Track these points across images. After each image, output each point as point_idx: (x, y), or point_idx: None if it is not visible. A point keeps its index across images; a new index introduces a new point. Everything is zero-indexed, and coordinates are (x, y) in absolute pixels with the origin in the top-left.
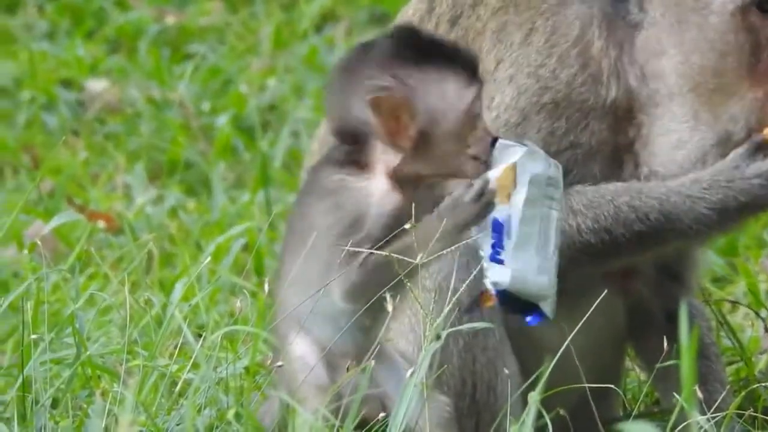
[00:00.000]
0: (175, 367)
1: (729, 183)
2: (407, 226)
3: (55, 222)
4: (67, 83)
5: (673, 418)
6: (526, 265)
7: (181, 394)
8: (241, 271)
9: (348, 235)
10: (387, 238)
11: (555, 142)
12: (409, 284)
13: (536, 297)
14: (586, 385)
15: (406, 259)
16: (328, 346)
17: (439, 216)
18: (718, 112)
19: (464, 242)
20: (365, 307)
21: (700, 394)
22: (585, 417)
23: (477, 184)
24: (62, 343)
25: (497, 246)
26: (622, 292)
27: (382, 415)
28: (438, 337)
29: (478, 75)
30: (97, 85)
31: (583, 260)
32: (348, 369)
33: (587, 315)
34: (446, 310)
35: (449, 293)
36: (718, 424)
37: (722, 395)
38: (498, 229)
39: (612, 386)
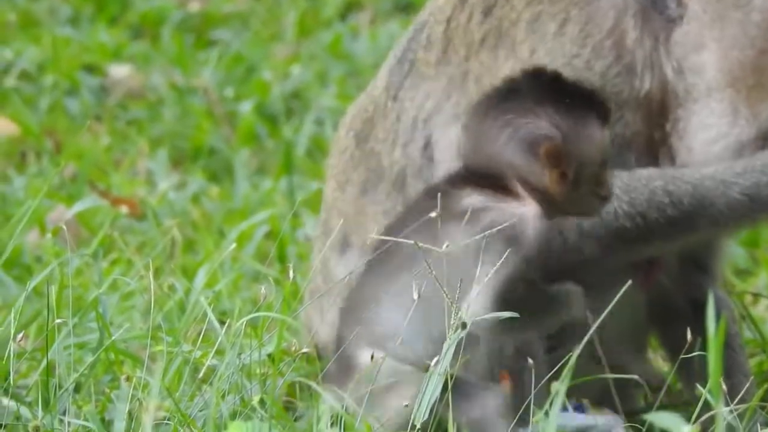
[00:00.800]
0: (198, 353)
1: (764, 168)
2: None
3: (78, 207)
4: (90, 69)
5: (698, 409)
6: None
7: (204, 381)
8: (264, 259)
9: (500, 253)
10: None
11: None
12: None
13: None
14: (609, 375)
15: None
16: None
17: None
18: (758, 108)
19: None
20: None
21: (723, 386)
22: (607, 407)
23: None
24: (85, 327)
25: None
26: (645, 284)
27: None
28: (464, 326)
29: (609, 118)
30: (120, 70)
31: (617, 246)
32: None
33: (611, 305)
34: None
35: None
36: (741, 416)
37: (746, 387)
38: None
39: (635, 377)
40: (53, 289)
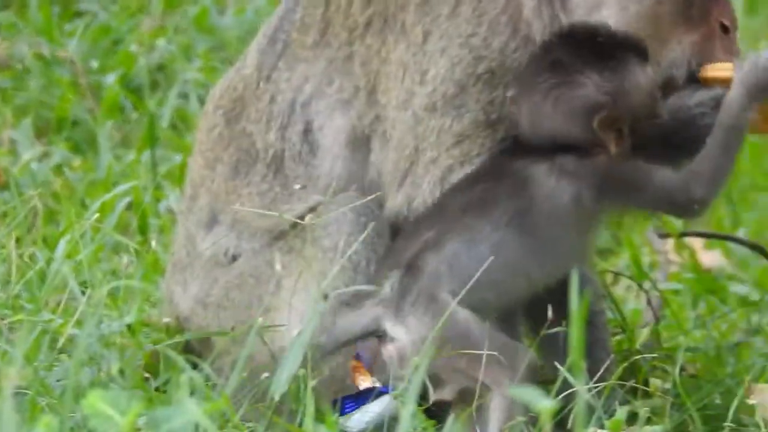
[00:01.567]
0: (59, 322)
1: (673, 113)
2: None
3: None
4: None
5: (557, 385)
6: None
7: (63, 350)
8: (126, 230)
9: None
10: None
11: (495, 110)
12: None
13: None
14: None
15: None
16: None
17: (741, 83)
18: (659, 57)
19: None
20: None
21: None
22: None
23: None
24: None
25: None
26: None
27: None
28: (325, 297)
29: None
30: None
31: None
32: None
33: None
34: (335, 269)
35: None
36: (600, 393)
37: (606, 364)
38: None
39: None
40: None
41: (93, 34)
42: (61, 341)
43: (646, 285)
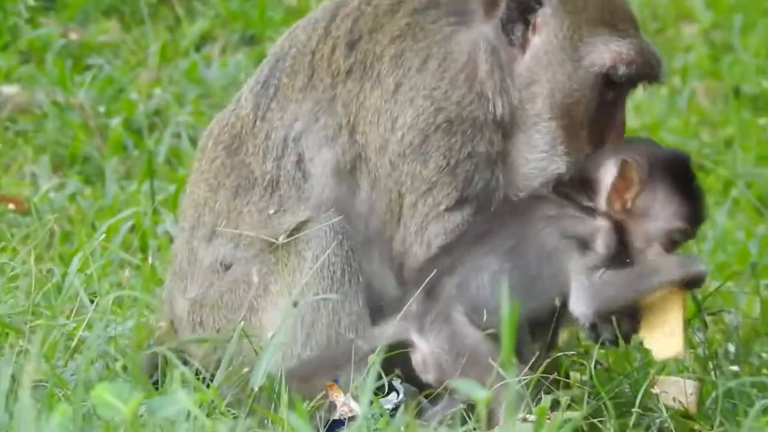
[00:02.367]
0: (72, 326)
1: None
2: None
3: None
4: None
5: (493, 376)
6: None
7: (76, 350)
8: (129, 249)
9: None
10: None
11: (454, 155)
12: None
13: None
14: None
15: None
16: None
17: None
18: (566, 143)
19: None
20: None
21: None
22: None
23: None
24: None
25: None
26: None
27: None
28: (295, 304)
29: (700, 223)
30: (10, 89)
31: None
32: None
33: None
34: (306, 278)
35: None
36: (528, 384)
37: (532, 361)
38: None
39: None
40: None
41: (100, 84)
42: (74, 342)
43: None
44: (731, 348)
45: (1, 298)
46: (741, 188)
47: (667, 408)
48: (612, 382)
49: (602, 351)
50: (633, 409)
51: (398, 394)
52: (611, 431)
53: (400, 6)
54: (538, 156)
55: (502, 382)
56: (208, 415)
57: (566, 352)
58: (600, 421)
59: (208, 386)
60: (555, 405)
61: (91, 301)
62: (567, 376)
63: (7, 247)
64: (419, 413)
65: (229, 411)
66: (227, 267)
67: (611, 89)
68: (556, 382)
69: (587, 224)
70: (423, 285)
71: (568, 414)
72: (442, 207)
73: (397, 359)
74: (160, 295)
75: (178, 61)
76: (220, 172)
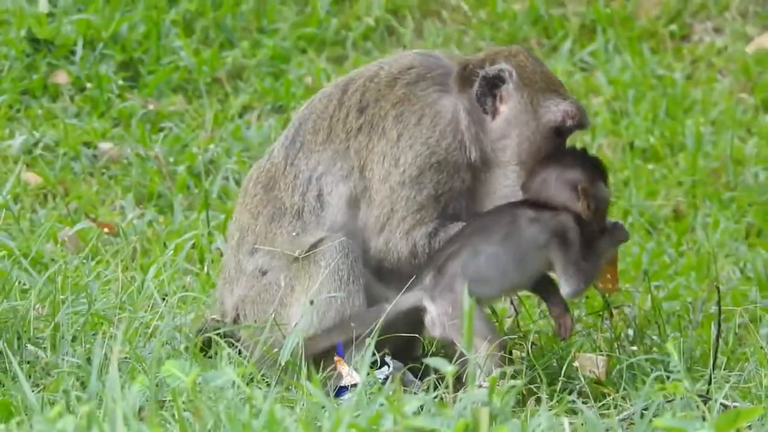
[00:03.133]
0: (148, 318)
1: None
2: None
3: (77, 227)
4: (87, 144)
5: (456, 356)
6: None
7: (151, 335)
8: (190, 260)
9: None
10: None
11: (440, 187)
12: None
13: None
14: (400, 334)
15: None
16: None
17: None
18: (525, 176)
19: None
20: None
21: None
22: (404, 356)
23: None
24: (79, 302)
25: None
26: None
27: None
28: (311, 302)
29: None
30: (105, 145)
31: None
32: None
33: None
34: (320, 279)
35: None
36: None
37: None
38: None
39: (417, 335)
40: (60, 278)
41: (170, 141)
42: (150, 329)
43: None
44: (630, 332)
45: (97, 297)
46: (635, 215)
47: (584, 377)
48: (544, 357)
49: (536, 335)
50: (559, 378)
51: (389, 368)
52: (544, 394)
53: (396, 81)
54: (510, 185)
55: (488, 337)
56: (247, 384)
57: (510, 336)
58: (537, 387)
59: (248, 363)
60: (502, 376)
61: (163, 299)
62: (511, 354)
63: (102, 259)
64: (404, 382)
65: (263, 380)
66: (264, 273)
67: (559, 137)
68: (503, 358)
69: (559, 221)
70: (435, 263)
71: (512, 382)
72: (426, 220)
73: (387, 341)
74: (214, 295)
75: (227, 124)
76: (259, 204)
